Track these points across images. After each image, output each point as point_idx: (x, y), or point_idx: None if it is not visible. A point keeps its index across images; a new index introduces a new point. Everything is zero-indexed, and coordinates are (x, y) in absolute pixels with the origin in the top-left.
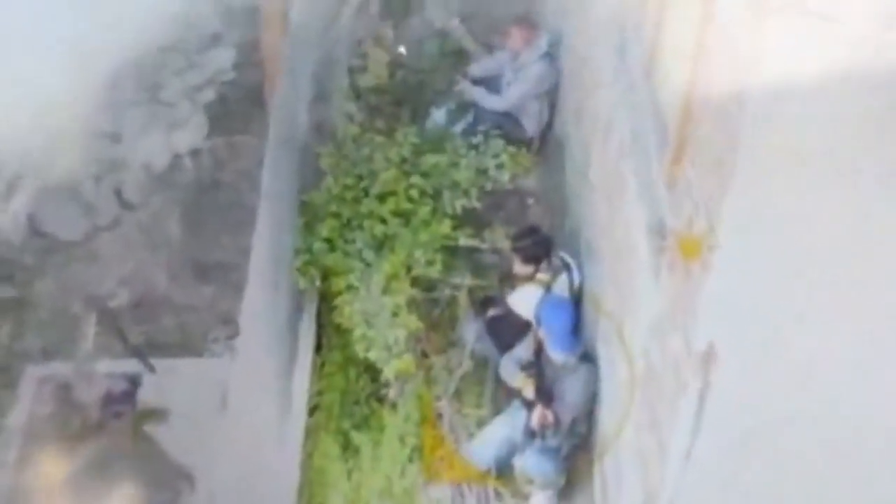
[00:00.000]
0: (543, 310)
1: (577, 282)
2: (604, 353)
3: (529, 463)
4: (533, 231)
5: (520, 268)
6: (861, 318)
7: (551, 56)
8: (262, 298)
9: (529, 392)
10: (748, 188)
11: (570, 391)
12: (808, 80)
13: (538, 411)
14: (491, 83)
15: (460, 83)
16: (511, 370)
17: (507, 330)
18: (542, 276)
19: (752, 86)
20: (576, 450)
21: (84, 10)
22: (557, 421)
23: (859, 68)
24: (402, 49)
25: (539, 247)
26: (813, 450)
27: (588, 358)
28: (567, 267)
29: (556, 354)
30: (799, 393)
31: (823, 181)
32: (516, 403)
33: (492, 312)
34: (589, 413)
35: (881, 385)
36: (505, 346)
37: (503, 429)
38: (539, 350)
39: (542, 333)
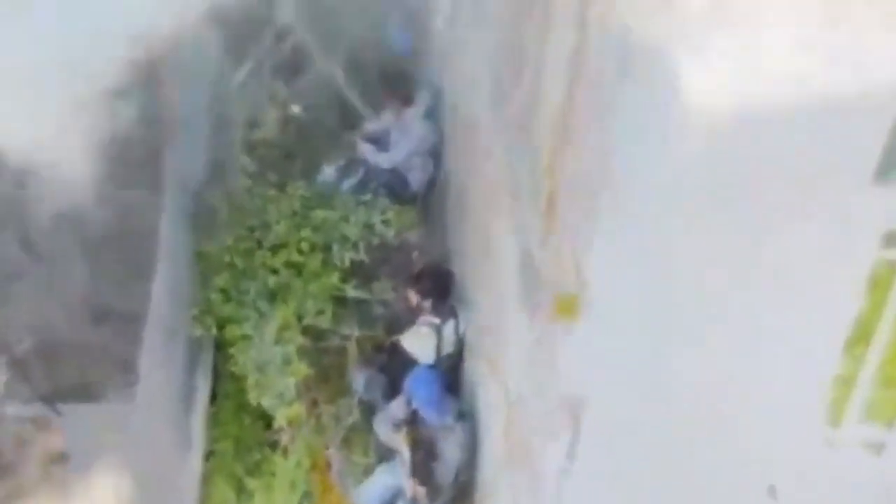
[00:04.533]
0: (412, 383)
1: (462, 329)
2: (483, 397)
3: None
4: (431, 267)
5: (418, 303)
6: (729, 360)
7: (431, 114)
8: (160, 346)
9: (405, 451)
10: (612, 241)
11: (449, 452)
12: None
13: (411, 487)
14: (380, 141)
15: (354, 140)
16: (385, 429)
17: (398, 371)
18: (434, 319)
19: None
20: (459, 495)
21: None
22: (436, 483)
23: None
24: (295, 108)
25: (442, 284)
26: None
27: (466, 415)
28: (454, 314)
29: (431, 419)
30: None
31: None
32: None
33: (380, 358)
34: (470, 465)
35: (744, 436)
36: (394, 388)
37: (387, 476)
38: (414, 411)
39: (414, 403)
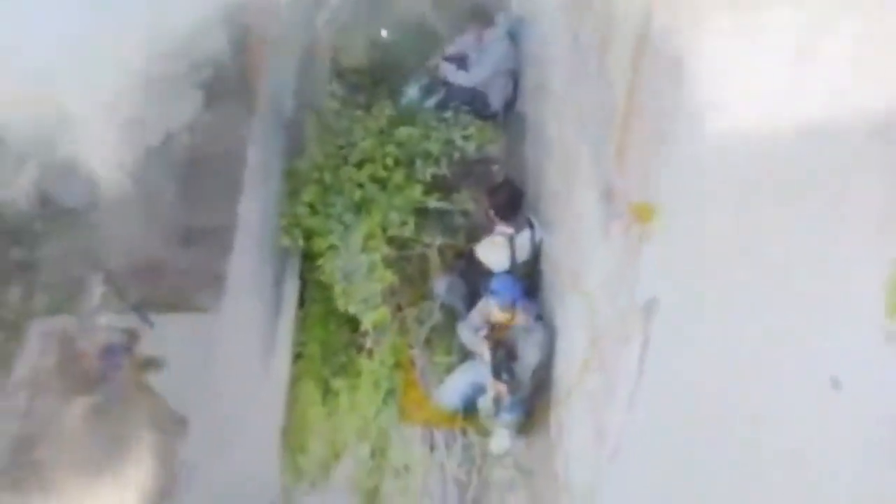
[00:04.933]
0: (493, 285)
1: (538, 239)
2: (560, 310)
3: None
4: (505, 183)
5: (491, 216)
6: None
7: (513, 37)
8: (249, 258)
9: (486, 352)
10: (681, 162)
11: (528, 351)
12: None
13: (493, 385)
14: (461, 61)
15: (436, 60)
16: (468, 336)
17: (475, 278)
18: (507, 229)
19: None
20: (535, 393)
21: None
22: (516, 381)
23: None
24: (384, 32)
25: (513, 198)
26: (745, 394)
27: (543, 317)
28: (530, 224)
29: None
30: (732, 337)
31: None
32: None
33: (460, 264)
34: (547, 365)
35: (807, 329)
36: (473, 293)
37: (468, 374)
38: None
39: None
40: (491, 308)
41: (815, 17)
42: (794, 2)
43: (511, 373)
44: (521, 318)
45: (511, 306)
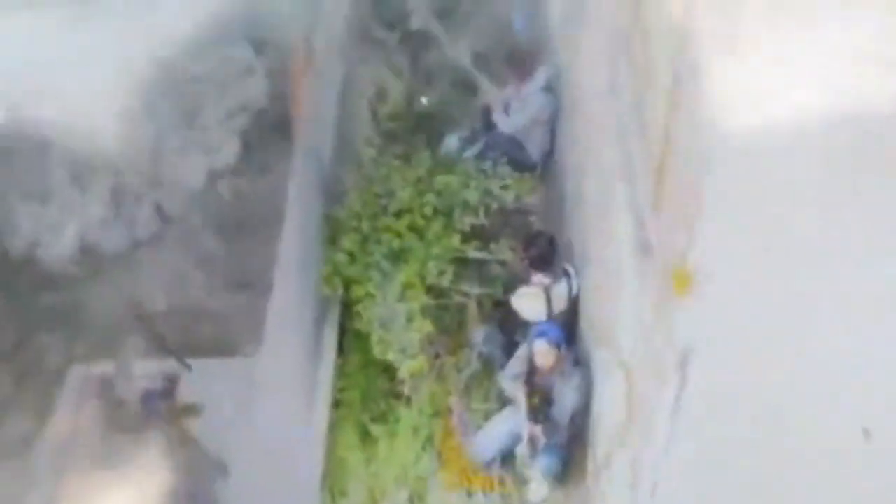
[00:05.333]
0: (540, 325)
1: (575, 289)
2: (597, 357)
3: (531, 454)
4: (540, 235)
5: (528, 272)
6: (832, 330)
7: (551, 88)
8: (288, 305)
9: (522, 397)
10: (719, 210)
11: (566, 396)
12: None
13: (528, 428)
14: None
15: (479, 109)
16: (509, 384)
17: (512, 328)
18: (544, 279)
19: (719, 122)
20: (573, 441)
21: (124, 41)
22: (552, 424)
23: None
24: (423, 100)
25: (547, 251)
26: (777, 441)
27: (581, 362)
28: (567, 275)
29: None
30: (773, 393)
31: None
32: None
33: (498, 314)
34: (585, 409)
35: (850, 389)
36: (510, 343)
37: (506, 423)
38: (531, 363)
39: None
40: (536, 349)
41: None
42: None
43: (547, 416)
44: (561, 363)
45: (557, 346)
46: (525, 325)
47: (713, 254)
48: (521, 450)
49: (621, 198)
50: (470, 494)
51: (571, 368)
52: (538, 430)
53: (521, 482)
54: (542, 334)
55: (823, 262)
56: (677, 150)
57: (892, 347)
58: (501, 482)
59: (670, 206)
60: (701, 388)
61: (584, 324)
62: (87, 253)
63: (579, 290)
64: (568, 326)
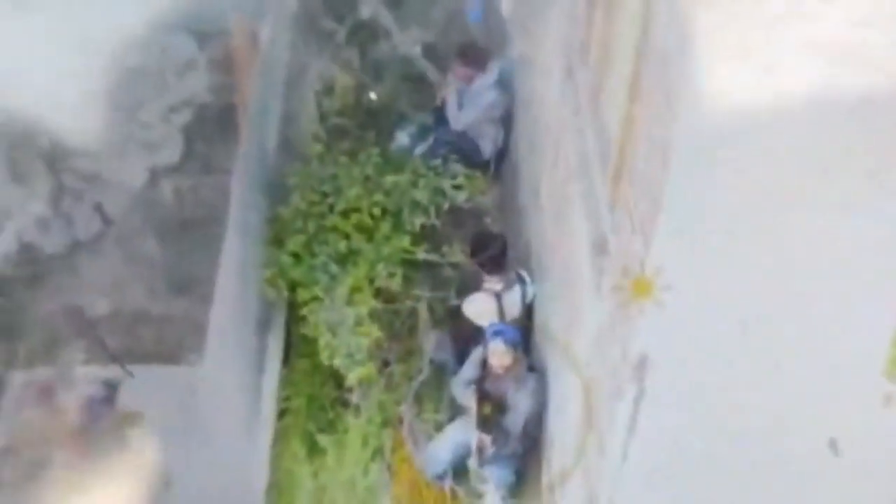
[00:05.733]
0: (496, 327)
1: (529, 295)
2: (552, 365)
3: (483, 465)
4: (492, 237)
5: (479, 276)
6: (796, 336)
7: (503, 84)
8: (231, 309)
9: (473, 405)
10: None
11: (520, 402)
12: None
13: (476, 437)
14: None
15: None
16: (461, 390)
17: (464, 334)
18: (496, 284)
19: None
20: (527, 452)
21: (60, 35)
22: (504, 432)
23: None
24: (372, 95)
25: (498, 254)
26: (739, 453)
27: (536, 369)
28: (521, 280)
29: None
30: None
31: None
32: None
33: (449, 320)
34: (539, 418)
35: (805, 393)
36: (461, 350)
37: (458, 433)
38: (485, 367)
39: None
40: (492, 350)
41: None
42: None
43: (499, 424)
44: (516, 366)
45: (514, 346)
46: (478, 332)
47: (671, 259)
48: (472, 461)
49: (577, 198)
50: None
51: (526, 374)
52: (487, 439)
53: (475, 496)
54: (497, 333)
55: (786, 267)
56: (635, 147)
57: (858, 353)
58: (454, 496)
59: (627, 207)
60: (659, 398)
61: (539, 331)
62: (26, 253)
63: (534, 296)
64: (522, 334)
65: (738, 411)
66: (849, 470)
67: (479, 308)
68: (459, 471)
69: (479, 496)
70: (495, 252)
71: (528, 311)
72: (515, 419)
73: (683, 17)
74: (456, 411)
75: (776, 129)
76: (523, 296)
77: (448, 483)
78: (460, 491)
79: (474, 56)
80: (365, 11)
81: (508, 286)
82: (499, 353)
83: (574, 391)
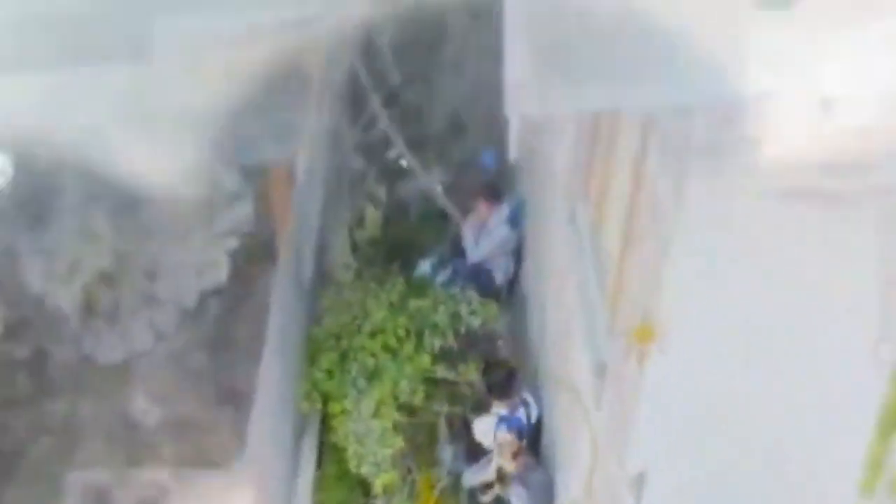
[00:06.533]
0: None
1: (534, 415)
2: (559, 480)
3: None
4: (499, 365)
5: (488, 399)
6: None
7: (514, 221)
8: (269, 419)
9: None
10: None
11: (532, 486)
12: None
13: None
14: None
15: (449, 237)
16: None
17: (477, 448)
18: (501, 409)
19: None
20: None
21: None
22: None
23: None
24: (403, 162)
25: (505, 381)
26: None
27: (543, 472)
28: (525, 404)
29: None
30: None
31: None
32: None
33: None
34: None
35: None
36: (477, 461)
37: None
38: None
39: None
40: (500, 440)
41: None
42: None
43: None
44: (521, 454)
45: (519, 433)
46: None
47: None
48: None
49: (579, 325)
50: None
51: (533, 466)
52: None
53: None
54: (503, 420)
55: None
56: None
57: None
58: None
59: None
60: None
61: (547, 447)
62: (86, 364)
63: (539, 416)
64: (531, 447)
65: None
66: None
67: (484, 429)
68: None
69: None
70: (502, 379)
71: (537, 428)
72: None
73: None
74: None
75: None
76: (528, 417)
77: None
78: None
79: (494, 193)
80: (392, 153)
81: (513, 410)
82: (506, 443)
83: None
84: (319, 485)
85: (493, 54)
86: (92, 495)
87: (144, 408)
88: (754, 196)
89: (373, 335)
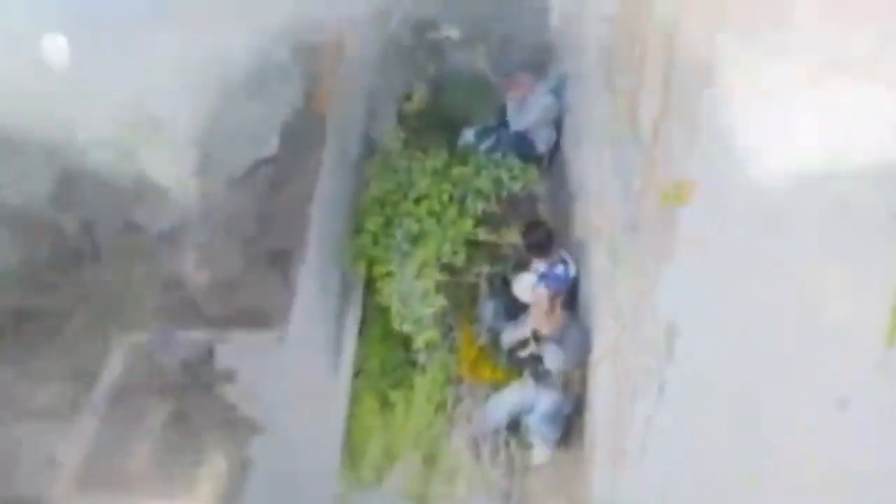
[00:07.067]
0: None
1: (572, 272)
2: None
3: (534, 422)
4: (539, 225)
5: (528, 258)
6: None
7: (556, 92)
8: (316, 281)
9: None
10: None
11: (568, 342)
12: None
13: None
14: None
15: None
16: (511, 336)
17: (517, 306)
18: (541, 265)
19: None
20: (572, 412)
21: (186, 44)
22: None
23: None
24: (452, 33)
25: (544, 240)
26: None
27: (578, 328)
28: (564, 262)
29: None
30: (753, 367)
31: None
32: (526, 373)
33: (505, 291)
34: (583, 376)
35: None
36: (516, 318)
37: (513, 394)
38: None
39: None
40: (535, 297)
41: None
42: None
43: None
44: (555, 308)
45: (556, 291)
46: (527, 306)
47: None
48: (527, 420)
49: (616, 186)
50: (478, 458)
51: (571, 321)
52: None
53: (525, 447)
54: (542, 278)
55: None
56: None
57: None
58: (507, 444)
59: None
60: (685, 364)
61: (583, 305)
62: (132, 231)
63: (577, 275)
64: (568, 304)
65: (754, 373)
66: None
67: (525, 286)
68: (512, 426)
69: (529, 447)
70: (542, 238)
71: (574, 286)
72: (556, 358)
73: None
74: (510, 372)
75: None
76: (566, 273)
77: (502, 435)
78: (512, 442)
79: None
80: (441, 31)
81: (552, 267)
82: (542, 297)
83: (607, 364)
84: (363, 344)
85: None
86: (139, 355)
87: (192, 270)
88: None
89: (417, 201)
